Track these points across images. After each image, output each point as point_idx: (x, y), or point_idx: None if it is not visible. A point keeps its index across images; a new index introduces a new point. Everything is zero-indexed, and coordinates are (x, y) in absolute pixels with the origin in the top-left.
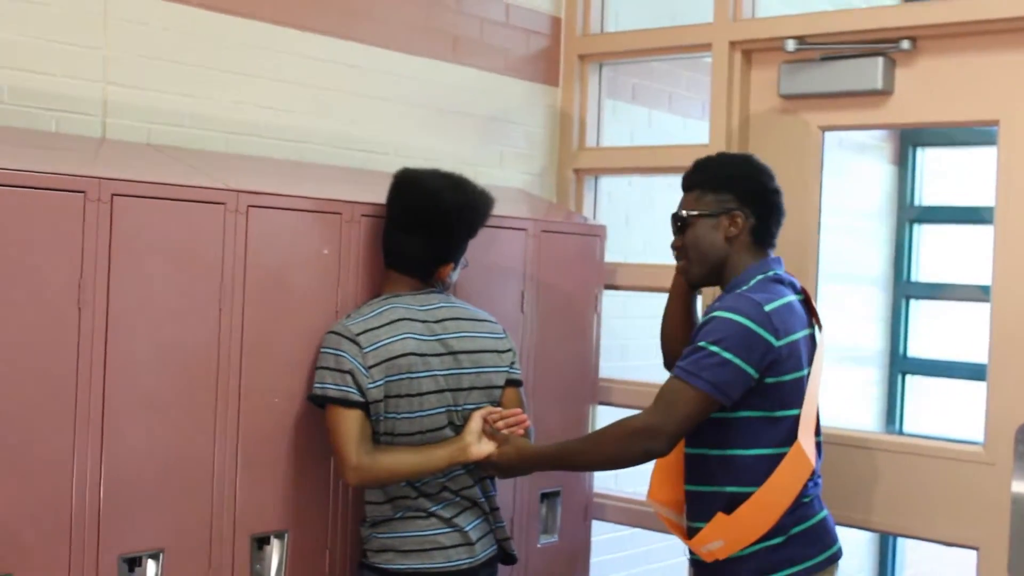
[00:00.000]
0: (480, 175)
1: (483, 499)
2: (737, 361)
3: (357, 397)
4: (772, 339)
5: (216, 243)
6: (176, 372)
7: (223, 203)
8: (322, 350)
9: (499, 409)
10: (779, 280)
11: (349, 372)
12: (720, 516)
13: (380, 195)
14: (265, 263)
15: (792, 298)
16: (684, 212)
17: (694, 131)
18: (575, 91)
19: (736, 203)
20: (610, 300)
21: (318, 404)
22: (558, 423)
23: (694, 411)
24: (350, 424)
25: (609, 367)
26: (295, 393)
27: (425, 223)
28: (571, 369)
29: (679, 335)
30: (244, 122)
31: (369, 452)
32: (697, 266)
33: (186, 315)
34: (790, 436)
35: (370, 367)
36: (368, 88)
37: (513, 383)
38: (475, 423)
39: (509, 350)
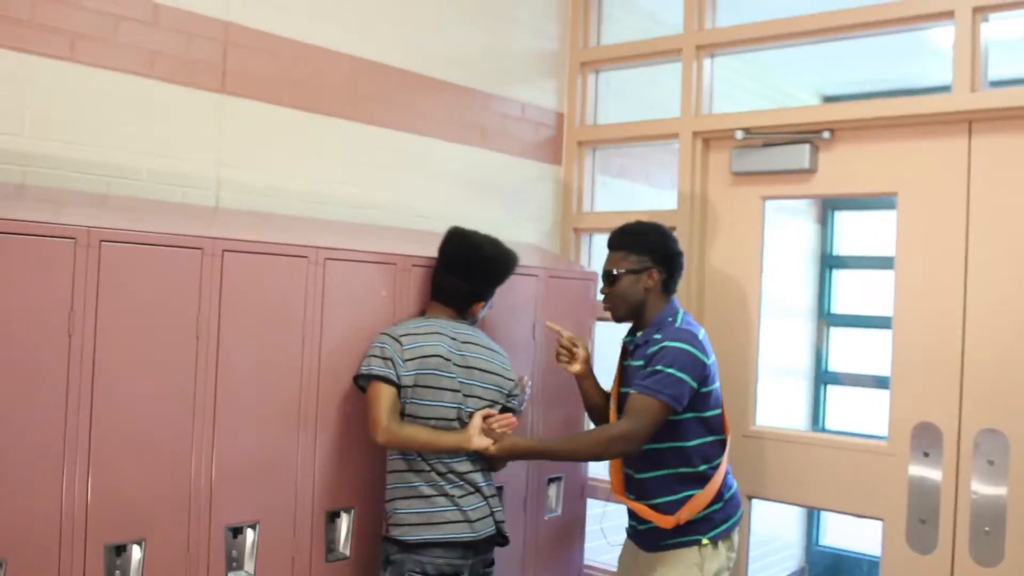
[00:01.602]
0: (503, 233)
1: (483, 484)
2: (685, 378)
3: (394, 378)
4: (705, 359)
5: (300, 289)
6: (271, 385)
7: (306, 256)
8: (373, 344)
9: (495, 412)
10: (687, 315)
11: (390, 359)
12: (696, 494)
13: (426, 249)
14: (338, 302)
15: (702, 329)
16: (614, 270)
17: (666, 199)
18: (574, 169)
19: (652, 263)
20: (601, 330)
21: (363, 382)
22: (559, 425)
23: (660, 418)
24: (386, 396)
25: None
26: (361, 399)
27: (468, 267)
28: (570, 384)
29: (599, 402)
30: (324, 194)
31: (397, 421)
32: (623, 309)
33: (276, 345)
34: (715, 428)
35: (406, 360)
36: (418, 167)
37: (508, 411)
38: (476, 420)
39: (511, 380)
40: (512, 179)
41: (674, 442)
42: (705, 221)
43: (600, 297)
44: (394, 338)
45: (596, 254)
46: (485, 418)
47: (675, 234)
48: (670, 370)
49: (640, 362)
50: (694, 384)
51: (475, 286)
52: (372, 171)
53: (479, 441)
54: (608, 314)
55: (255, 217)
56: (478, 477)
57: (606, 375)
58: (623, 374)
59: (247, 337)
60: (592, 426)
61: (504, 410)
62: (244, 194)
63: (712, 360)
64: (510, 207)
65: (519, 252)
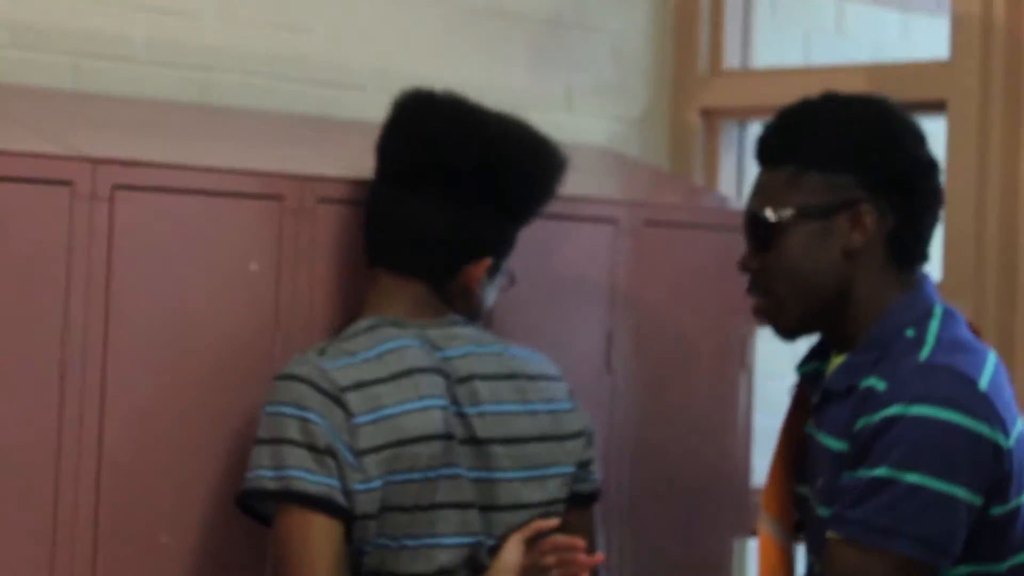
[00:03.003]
0: (532, 123)
1: None
2: (959, 492)
3: (339, 499)
4: (1002, 439)
5: (54, 260)
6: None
7: (69, 182)
8: (271, 409)
9: (551, 530)
10: (955, 319)
11: (328, 452)
12: None
13: (352, 165)
14: (146, 289)
15: (992, 351)
16: (768, 210)
17: (920, 36)
18: None
19: (862, 190)
20: (771, 347)
21: (264, 506)
22: (680, 572)
23: None
24: (323, 545)
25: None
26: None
27: (450, 173)
28: (699, 474)
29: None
30: (105, 35)
31: None
32: (795, 303)
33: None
34: None
35: (363, 452)
36: None
37: (583, 499)
38: (512, 554)
39: (579, 434)
40: None
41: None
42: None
43: (745, 282)
44: (328, 394)
45: (752, 172)
46: (535, 538)
47: (923, 128)
48: (911, 477)
49: (839, 444)
50: (975, 500)
51: (470, 220)
52: None
53: None
54: (760, 318)
55: None
56: None
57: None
58: (801, 452)
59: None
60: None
61: (575, 500)
62: None
63: (1016, 435)
64: (550, 63)
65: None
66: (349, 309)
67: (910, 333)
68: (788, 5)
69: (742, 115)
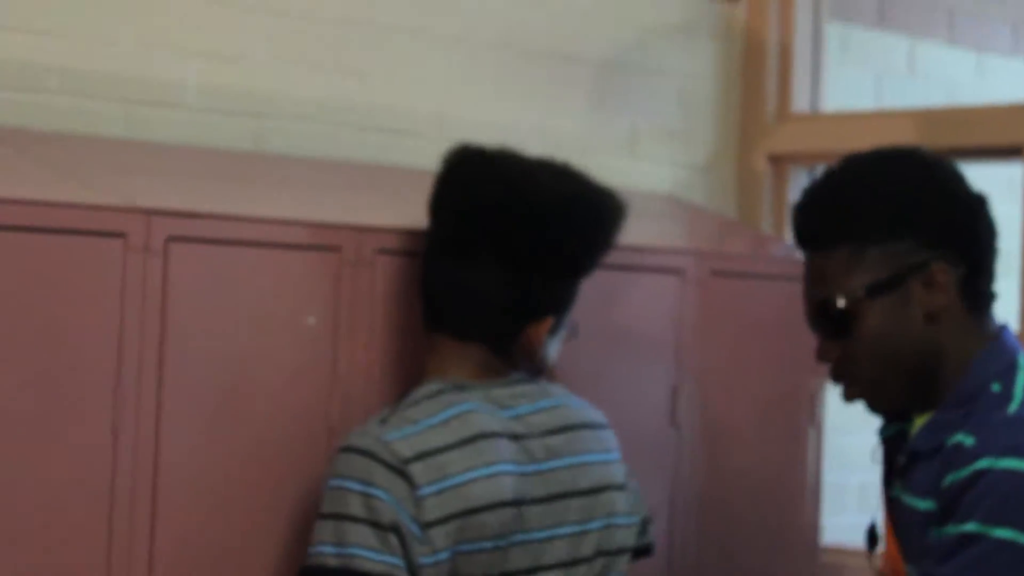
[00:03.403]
0: (594, 168)
1: None
2: None
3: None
4: None
5: (110, 306)
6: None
7: (123, 234)
8: (334, 484)
9: None
10: None
11: (392, 529)
12: None
13: (412, 213)
14: (200, 345)
15: None
16: (840, 298)
17: (996, 77)
18: (771, 4)
19: (926, 250)
20: (841, 402)
21: None
22: None
23: None
24: None
25: (840, 525)
26: None
27: (504, 240)
28: (767, 532)
29: None
30: (157, 81)
31: None
32: (891, 382)
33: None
34: None
35: (429, 524)
36: (387, 15)
37: (644, 552)
38: None
39: (625, 488)
40: (618, 37)
41: None
42: None
43: (822, 358)
44: (391, 466)
45: None
46: None
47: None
48: (1002, 533)
49: (926, 503)
50: None
51: (528, 284)
52: (280, 25)
53: None
54: (845, 392)
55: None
56: None
57: (846, 515)
58: (893, 520)
59: None
60: None
61: (639, 553)
62: None
63: None
64: (611, 106)
65: (631, 207)
66: (409, 365)
67: (996, 387)
68: (859, 46)
69: (811, 161)
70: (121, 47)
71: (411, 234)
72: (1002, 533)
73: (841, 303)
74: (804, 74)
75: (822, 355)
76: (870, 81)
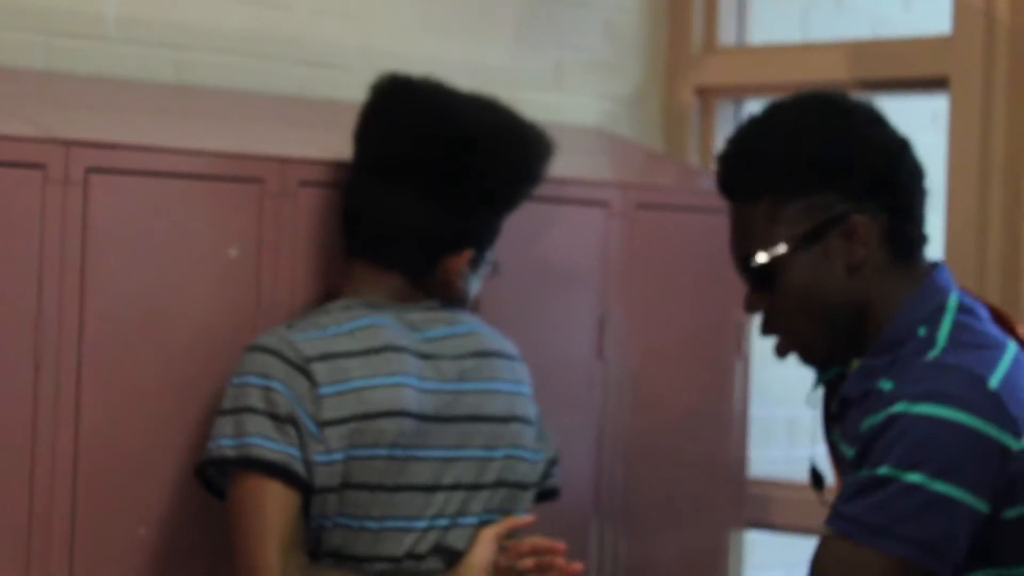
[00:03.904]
0: (520, 102)
1: None
2: (962, 495)
3: (299, 469)
4: (1011, 440)
5: (30, 238)
6: None
7: (42, 165)
8: (236, 381)
9: (528, 519)
10: (971, 312)
11: (290, 420)
12: None
13: (335, 146)
14: (121, 276)
15: (1012, 345)
16: (760, 253)
17: (922, 10)
18: None
19: (846, 202)
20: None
21: (221, 475)
22: (675, 565)
23: None
24: (277, 511)
25: (766, 458)
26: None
27: (427, 167)
28: (695, 464)
29: None
30: (76, 12)
31: (302, 569)
32: (819, 334)
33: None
34: None
35: (326, 423)
36: None
37: (546, 494)
38: (484, 552)
39: (532, 424)
40: None
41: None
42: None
43: (749, 309)
44: (294, 364)
45: None
46: (505, 543)
47: (878, 107)
48: (912, 477)
49: (852, 451)
50: (979, 504)
51: (451, 213)
52: None
53: None
54: (787, 356)
55: None
56: None
57: (774, 448)
58: (836, 464)
59: None
60: None
61: (542, 495)
62: None
63: None
64: (537, 40)
65: (558, 140)
66: (331, 295)
67: (922, 332)
68: None
69: (738, 93)
70: None
71: (334, 166)
72: (912, 478)
73: (762, 258)
74: (730, 6)
75: (749, 307)
76: (796, 13)
